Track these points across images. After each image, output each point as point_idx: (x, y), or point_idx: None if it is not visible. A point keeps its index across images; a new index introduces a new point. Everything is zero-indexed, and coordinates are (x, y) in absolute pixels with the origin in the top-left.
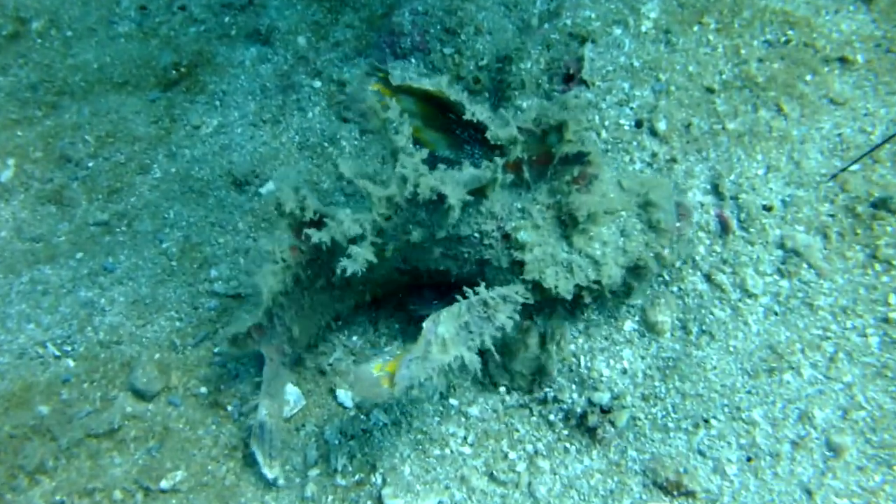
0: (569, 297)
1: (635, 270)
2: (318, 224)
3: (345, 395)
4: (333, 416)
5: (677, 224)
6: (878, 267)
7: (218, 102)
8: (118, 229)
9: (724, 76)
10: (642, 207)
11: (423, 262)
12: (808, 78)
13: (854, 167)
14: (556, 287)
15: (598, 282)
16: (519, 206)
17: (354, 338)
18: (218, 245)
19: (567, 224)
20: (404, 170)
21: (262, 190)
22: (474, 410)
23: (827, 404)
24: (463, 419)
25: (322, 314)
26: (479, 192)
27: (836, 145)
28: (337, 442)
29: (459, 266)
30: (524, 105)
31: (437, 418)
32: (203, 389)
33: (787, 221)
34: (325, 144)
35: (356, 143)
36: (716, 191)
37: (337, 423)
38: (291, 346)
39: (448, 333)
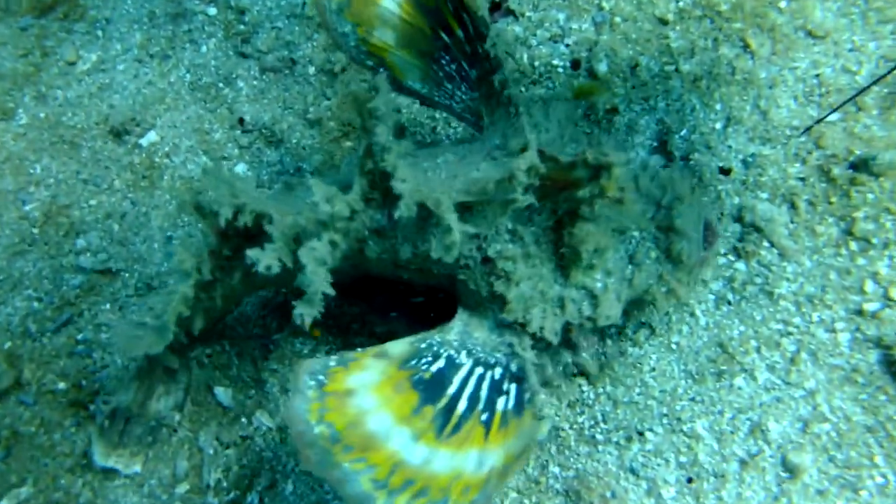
0: (555, 341)
1: (638, 303)
2: (253, 231)
3: (224, 394)
4: (210, 419)
5: (702, 254)
6: (853, 245)
7: (99, 32)
8: None
9: (679, 3)
10: (662, 231)
11: (376, 271)
12: (783, 5)
13: (833, 117)
14: (541, 329)
15: (592, 319)
16: (509, 224)
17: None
18: (89, 208)
19: (567, 257)
20: (401, 185)
21: (143, 141)
22: None
23: (784, 415)
24: None
25: (235, 302)
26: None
27: (812, 89)
28: (212, 451)
29: (425, 279)
30: None
31: None
32: (61, 385)
33: (747, 187)
34: (220, 85)
35: (255, 83)
36: (663, 149)
37: (213, 428)
38: (186, 337)
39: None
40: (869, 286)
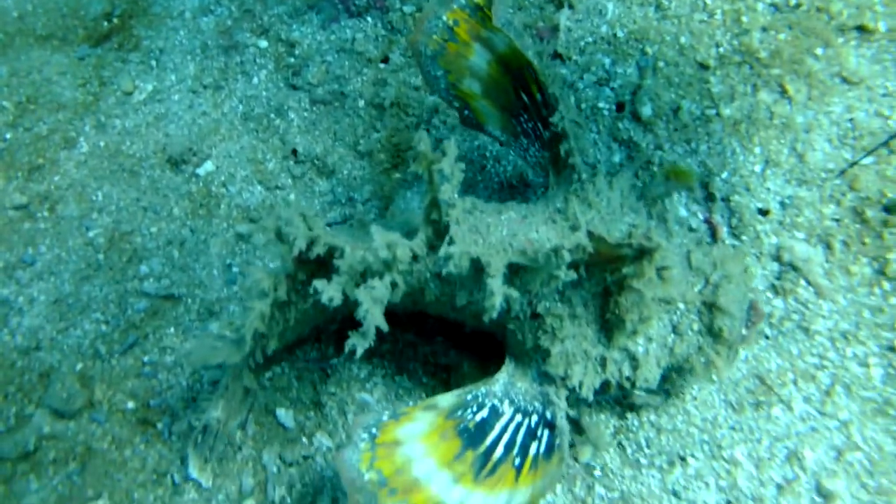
0: (590, 398)
1: (677, 371)
2: (325, 262)
3: (285, 415)
4: (273, 438)
5: (744, 332)
6: (886, 285)
7: (153, 62)
8: (39, 214)
9: (721, 49)
10: (707, 307)
11: (433, 309)
12: (819, 52)
13: (867, 160)
14: (580, 385)
15: (630, 380)
16: (559, 286)
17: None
18: (150, 235)
19: (612, 323)
20: (451, 248)
21: (200, 170)
22: None
23: (819, 444)
24: None
25: (307, 325)
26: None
27: (847, 132)
28: (276, 469)
29: (478, 324)
30: None
31: None
32: (130, 404)
33: (784, 227)
34: (272, 116)
35: (306, 115)
36: (705, 190)
37: (276, 447)
38: (262, 355)
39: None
40: None
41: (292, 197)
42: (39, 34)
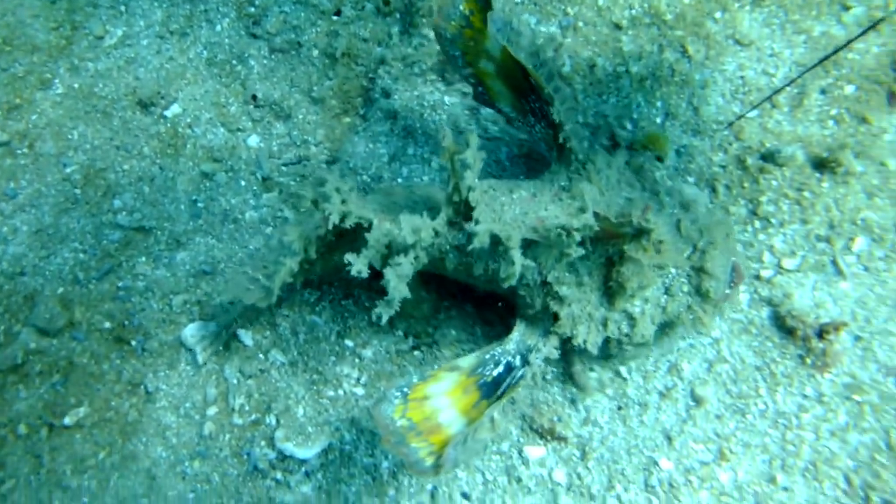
0: (594, 353)
1: (668, 326)
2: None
3: (244, 335)
4: (233, 354)
5: (727, 292)
6: (757, 224)
7: (122, 7)
8: (19, 151)
9: (633, 11)
10: (695, 270)
11: (452, 277)
12: (718, 15)
13: (752, 114)
14: (584, 342)
15: (628, 336)
16: None
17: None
18: (122, 172)
19: (614, 289)
20: (476, 226)
21: (167, 112)
22: (368, 352)
23: (695, 358)
24: (357, 360)
25: (333, 271)
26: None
27: (737, 88)
28: (236, 381)
29: (492, 289)
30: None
31: (332, 358)
32: (107, 324)
33: (679, 172)
34: (234, 62)
35: (265, 62)
36: (610, 140)
37: (236, 362)
38: (288, 290)
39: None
40: (766, 257)
41: (252, 139)
42: None
